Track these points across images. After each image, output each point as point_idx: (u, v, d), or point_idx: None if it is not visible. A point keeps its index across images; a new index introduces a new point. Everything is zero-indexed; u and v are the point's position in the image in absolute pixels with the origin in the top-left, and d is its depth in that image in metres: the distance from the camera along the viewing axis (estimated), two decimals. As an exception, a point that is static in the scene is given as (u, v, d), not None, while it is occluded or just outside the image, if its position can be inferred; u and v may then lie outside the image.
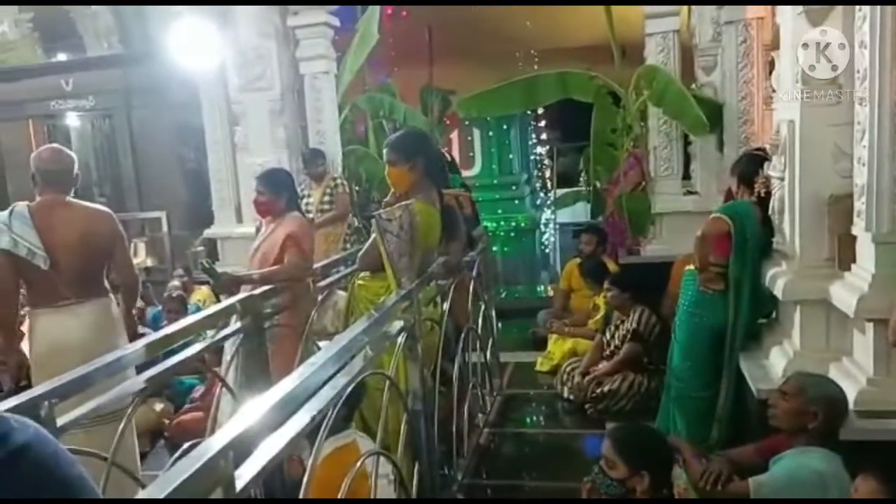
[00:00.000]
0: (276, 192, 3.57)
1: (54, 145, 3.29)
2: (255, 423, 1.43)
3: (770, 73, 3.93)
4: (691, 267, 3.30)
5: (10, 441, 0.63)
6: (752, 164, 3.27)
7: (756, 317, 3.20)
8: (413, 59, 7.52)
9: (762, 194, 3.07)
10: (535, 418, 4.21)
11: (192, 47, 5.54)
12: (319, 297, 3.69)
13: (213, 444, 1.25)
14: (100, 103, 8.51)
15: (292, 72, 5.92)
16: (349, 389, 1.96)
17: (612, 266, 4.96)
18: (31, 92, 8.61)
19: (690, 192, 5.22)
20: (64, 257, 3.03)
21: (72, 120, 9.11)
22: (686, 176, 5.38)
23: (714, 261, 3.17)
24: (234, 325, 2.88)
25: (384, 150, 3.19)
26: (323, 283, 3.81)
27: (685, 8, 5.32)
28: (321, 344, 3.67)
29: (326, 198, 5.42)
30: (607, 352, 4.23)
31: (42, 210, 3.06)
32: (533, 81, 5.46)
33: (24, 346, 3.16)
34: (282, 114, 5.81)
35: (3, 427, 0.64)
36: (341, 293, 4.11)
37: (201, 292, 5.64)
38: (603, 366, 4.13)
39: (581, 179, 8.59)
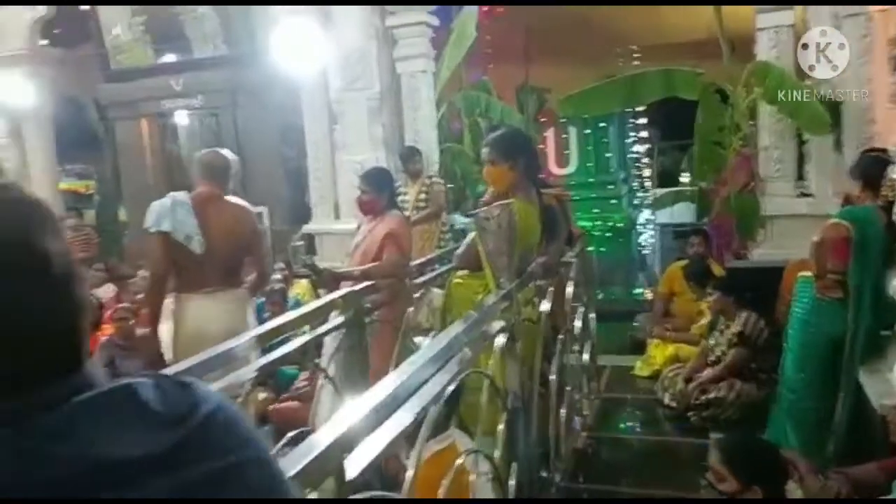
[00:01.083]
0: (379, 190, 3.65)
1: (217, 148, 3.53)
2: (362, 417, 1.45)
3: (895, 68, 3.69)
4: (807, 273, 3.14)
5: (203, 406, 0.68)
6: (875, 167, 3.08)
7: (878, 327, 3.00)
8: (509, 57, 7.50)
9: (890, 198, 2.88)
10: (633, 424, 4.11)
11: (296, 49, 5.70)
12: (416, 295, 3.72)
13: (324, 436, 1.28)
14: (207, 102, 8.90)
15: (391, 71, 6.00)
16: (451, 388, 1.96)
17: (717, 270, 4.77)
18: (144, 91, 9.09)
19: (804, 195, 4.95)
20: (215, 245, 3.23)
21: (181, 118, 9.56)
22: (800, 177, 5.11)
23: (832, 267, 3.00)
24: (334, 319, 2.95)
25: (484, 149, 3.18)
26: (419, 281, 3.84)
27: (800, -1, 5.04)
28: (416, 340, 3.76)
29: (422, 195, 5.47)
30: (712, 357, 4.07)
31: (200, 200, 3.27)
32: (636, 79, 5.33)
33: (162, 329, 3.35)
34: (380, 112, 5.90)
35: (195, 393, 0.69)
36: (436, 291, 4.14)
37: (300, 286, 5.80)
38: (707, 372, 3.98)
39: (682, 179, 8.32)
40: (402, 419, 1.63)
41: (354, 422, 1.41)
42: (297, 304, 4.97)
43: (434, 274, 4.11)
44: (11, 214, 0.64)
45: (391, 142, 6.00)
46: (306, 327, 2.95)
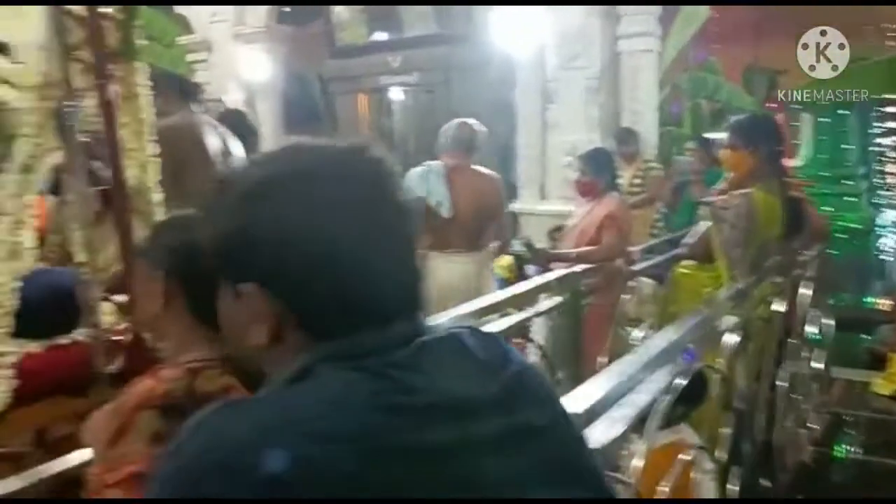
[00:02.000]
0: (598, 172, 3.63)
1: (465, 119, 3.71)
2: (601, 397, 1.48)
3: None
4: None
5: (513, 359, 0.75)
6: None
7: None
8: (738, 35, 6.98)
9: None
10: (867, 444, 3.70)
11: (514, 26, 5.71)
12: (631, 283, 3.64)
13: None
14: (423, 79, 9.19)
15: (611, 49, 5.82)
16: (682, 382, 1.91)
17: None
18: (363, 67, 9.56)
19: None
20: (462, 211, 3.48)
21: (396, 94, 9.96)
22: None
23: None
24: (545, 301, 2.98)
25: (728, 133, 3.03)
26: (634, 268, 3.74)
27: None
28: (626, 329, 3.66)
29: (637, 180, 5.29)
30: (976, 382, 3.57)
31: (452, 170, 3.53)
32: (899, 61, 4.73)
33: None
34: (598, 92, 5.75)
35: (502, 345, 0.76)
36: (646, 280, 4.01)
37: (503, 261, 5.85)
38: (967, 399, 3.50)
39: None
40: (632, 405, 1.62)
41: (595, 399, 1.45)
42: (501, 281, 5.02)
43: (648, 263, 3.98)
44: (378, 169, 0.71)
45: (607, 123, 5.83)
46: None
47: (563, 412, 0.77)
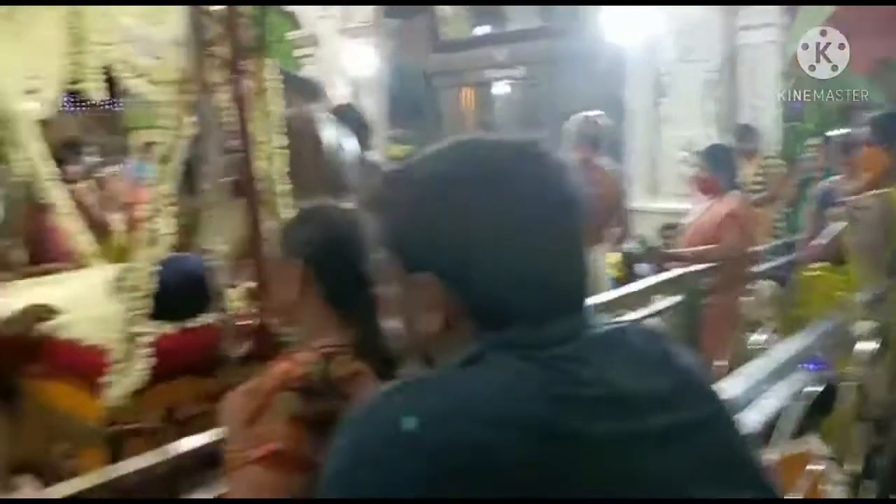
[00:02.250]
0: (718, 168, 3.48)
1: (589, 113, 3.72)
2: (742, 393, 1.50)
3: None
4: None
5: (674, 354, 0.74)
6: None
7: None
8: (869, 26, 6.52)
9: None
10: None
11: (625, 21, 5.56)
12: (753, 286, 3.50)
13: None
14: (528, 73, 9.11)
15: (731, 42, 5.57)
16: (816, 390, 1.82)
17: None
18: (467, 62, 9.55)
19: None
20: (591, 205, 3.43)
21: (500, 88, 9.90)
22: None
23: None
24: (659, 301, 2.95)
25: (863, 128, 2.85)
26: (756, 269, 3.59)
27: None
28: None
29: (758, 177, 5.04)
30: None
31: (579, 163, 3.47)
32: None
33: None
34: (716, 86, 5.52)
35: (662, 340, 0.76)
36: (765, 282, 3.84)
37: (611, 259, 5.71)
38: None
39: None
40: (760, 412, 1.60)
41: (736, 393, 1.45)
42: (612, 280, 4.91)
43: (770, 265, 3.81)
44: (552, 165, 0.72)
45: (724, 118, 5.58)
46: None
47: (726, 409, 0.75)
